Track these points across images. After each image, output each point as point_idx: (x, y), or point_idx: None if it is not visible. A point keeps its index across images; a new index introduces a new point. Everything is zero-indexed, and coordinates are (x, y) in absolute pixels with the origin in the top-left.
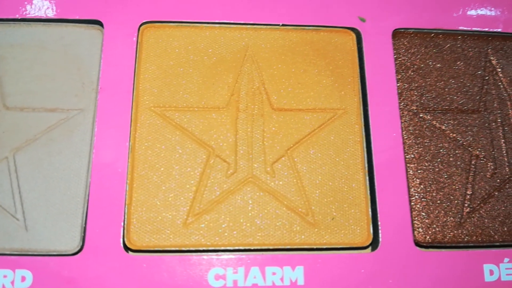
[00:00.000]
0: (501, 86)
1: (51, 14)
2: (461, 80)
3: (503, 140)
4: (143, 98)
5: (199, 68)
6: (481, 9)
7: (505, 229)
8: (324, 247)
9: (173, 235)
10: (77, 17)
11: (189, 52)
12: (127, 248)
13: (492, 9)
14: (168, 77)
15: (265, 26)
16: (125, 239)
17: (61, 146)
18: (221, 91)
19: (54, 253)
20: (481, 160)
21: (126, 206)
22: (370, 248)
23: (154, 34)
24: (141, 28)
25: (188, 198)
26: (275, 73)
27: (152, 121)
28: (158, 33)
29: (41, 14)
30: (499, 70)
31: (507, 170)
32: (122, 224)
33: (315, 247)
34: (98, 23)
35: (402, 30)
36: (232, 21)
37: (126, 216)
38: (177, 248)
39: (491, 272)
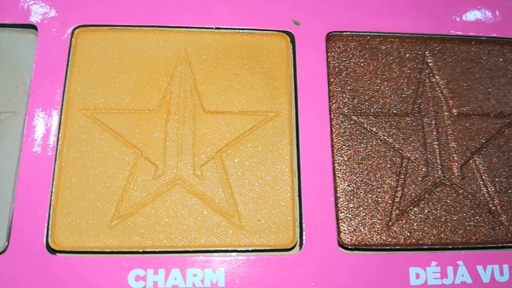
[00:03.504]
0: (437, 89)
1: None
2: (396, 83)
3: (436, 143)
4: (73, 101)
5: (132, 70)
6: (419, 11)
7: (434, 232)
8: (249, 248)
9: (97, 236)
10: (13, 22)
11: (123, 55)
12: (51, 249)
13: (430, 11)
14: (100, 79)
15: (199, 30)
16: (49, 240)
17: None
18: (153, 93)
19: None
20: (413, 162)
21: (52, 207)
22: (295, 249)
23: (88, 37)
24: (75, 32)
25: (115, 200)
26: (208, 76)
27: (81, 123)
28: (92, 37)
29: None
30: (436, 72)
31: (440, 173)
32: (46, 225)
33: (239, 249)
34: (33, 27)
35: (337, 33)
36: (166, 25)
37: (51, 217)
38: (100, 250)
39: (417, 276)
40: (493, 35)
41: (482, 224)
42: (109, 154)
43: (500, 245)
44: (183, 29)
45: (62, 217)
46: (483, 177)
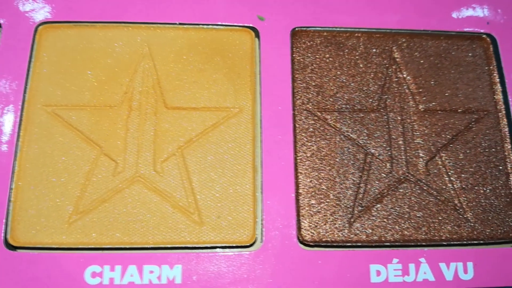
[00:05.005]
0: (404, 84)
1: None
2: (362, 79)
3: (401, 139)
4: (34, 97)
5: (95, 67)
6: (387, 6)
7: (397, 228)
8: (208, 245)
9: (56, 233)
10: None
11: (86, 52)
12: (9, 245)
13: (398, 6)
14: (63, 76)
15: (162, 25)
16: (8, 236)
17: None
18: (115, 89)
19: None
20: (377, 158)
21: (11, 204)
22: (255, 246)
23: (52, 34)
24: (38, 28)
25: (74, 196)
26: (171, 72)
27: (42, 120)
28: (55, 33)
29: None
30: (403, 67)
31: (405, 169)
32: (5, 221)
33: (197, 245)
34: None
35: (303, 28)
36: (129, 21)
37: (10, 213)
38: (58, 246)
39: (378, 273)
40: (463, 30)
41: (447, 221)
42: (70, 150)
43: (465, 242)
44: (147, 25)
45: (21, 213)
46: (449, 173)
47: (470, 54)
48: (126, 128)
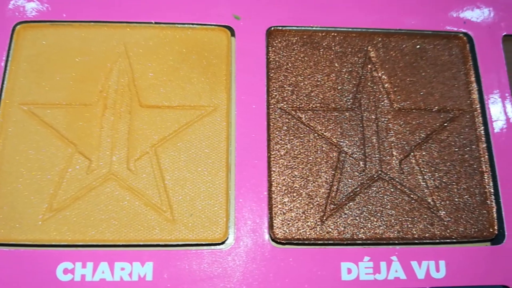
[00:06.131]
0: (379, 83)
1: None
2: (337, 78)
3: (375, 137)
4: (11, 96)
5: (72, 66)
6: (363, 5)
7: (369, 227)
8: (180, 243)
9: (29, 229)
10: None
11: (63, 51)
12: None
13: (374, 5)
14: (40, 75)
15: (138, 24)
16: None
17: None
18: (91, 88)
19: None
20: (351, 157)
21: None
22: (227, 244)
23: (30, 33)
24: (16, 28)
25: (48, 194)
26: (147, 71)
27: (19, 118)
28: (33, 33)
29: None
30: (378, 66)
31: (378, 168)
32: None
33: (169, 243)
34: None
35: (279, 27)
36: (106, 20)
37: None
38: (31, 242)
39: (349, 271)
40: (439, 29)
41: (419, 219)
42: (45, 148)
43: (438, 240)
44: (123, 24)
45: None
46: (423, 172)
47: (446, 53)
48: (101, 126)
